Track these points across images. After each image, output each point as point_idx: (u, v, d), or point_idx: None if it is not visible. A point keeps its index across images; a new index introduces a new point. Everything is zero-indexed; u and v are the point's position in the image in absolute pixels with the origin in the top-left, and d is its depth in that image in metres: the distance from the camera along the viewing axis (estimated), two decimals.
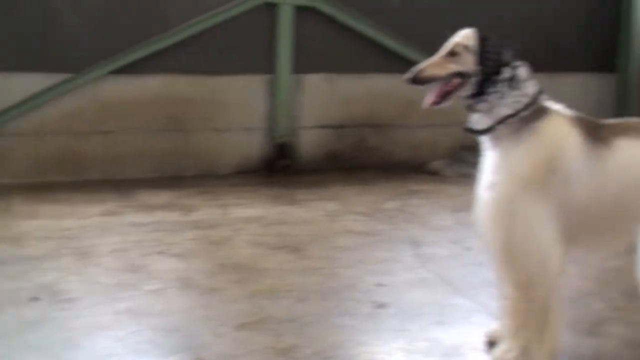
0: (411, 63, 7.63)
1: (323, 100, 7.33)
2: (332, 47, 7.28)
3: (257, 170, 7.20)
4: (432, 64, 3.10)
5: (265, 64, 7.09)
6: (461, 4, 7.63)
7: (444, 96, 3.10)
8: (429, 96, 3.12)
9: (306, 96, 7.30)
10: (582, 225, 3.03)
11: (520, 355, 3.03)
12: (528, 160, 2.97)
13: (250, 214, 5.55)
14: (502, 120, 2.98)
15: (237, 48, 6.98)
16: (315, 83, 7.32)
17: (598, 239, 3.15)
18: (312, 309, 3.70)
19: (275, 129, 7.16)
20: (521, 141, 2.98)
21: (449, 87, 3.08)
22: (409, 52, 7.20)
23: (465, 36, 3.09)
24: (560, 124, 3.02)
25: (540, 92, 3.05)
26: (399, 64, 7.26)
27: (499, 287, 3.19)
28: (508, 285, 3.07)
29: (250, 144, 7.19)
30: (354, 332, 3.43)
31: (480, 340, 3.37)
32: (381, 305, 3.77)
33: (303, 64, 7.17)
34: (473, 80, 3.02)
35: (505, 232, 2.98)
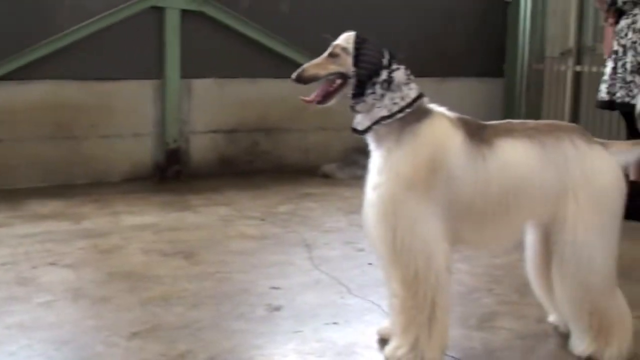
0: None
1: (214, 105, 7.32)
2: (221, 52, 7.28)
3: (149, 176, 7.12)
4: (314, 64, 3.18)
5: (154, 69, 7.02)
6: (350, 10, 7.75)
7: (326, 96, 3.19)
8: (312, 95, 3.21)
9: (196, 101, 7.27)
10: (468, 224, 3.10)
11: (410, 351, 3.09)
12: (409, 161, 3.03)
13: (143, 222, 5.48)
14: (378, 121, 3.06)
15: (125, 53, 6.89)
16: (206, 88, 7.29)
17: (485, 237, 3.20)
18: (205, 314, 3.68)
19: (166, 135, 7.10)
20: (402, 142, 3.06)
21: (331, 87, 3.17)
22: (298, 57, 7.24)
23: (345, 38, 3.16)
24: (441, 125, 3.09)
25: (420, 95, 3.12)
26: (290, 68, 7.28)
27: (387, 285, 3.25)
28: (395, 283, 3.13)
29: (140, 150, 7.11)
30: (248, 335, 3.43)
31: (373, 338, 3.42)
32: (275, 308, 3.79)
33: (192, 69, 7.15)
34: (352, 82, 3.09)
35: (389, 231, 3.03)
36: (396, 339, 3.15)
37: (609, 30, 6.62)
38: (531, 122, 3.28)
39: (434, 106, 3.17)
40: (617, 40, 6.33)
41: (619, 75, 6.32)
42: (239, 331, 3.48)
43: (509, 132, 3.16)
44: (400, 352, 3.10)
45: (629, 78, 6.23)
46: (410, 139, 3.05)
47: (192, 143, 7.29)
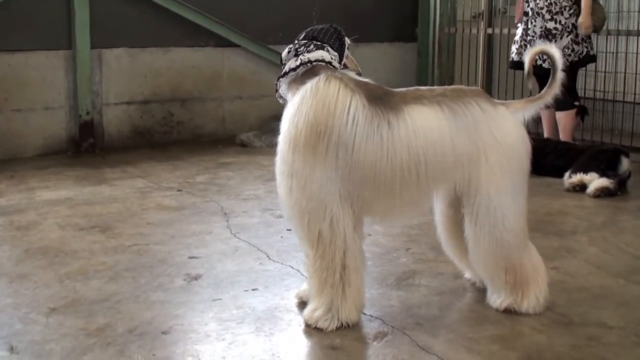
0: (215, 36, 7.69)
1: (126, 76, 7.22)
2: (132, 21, 7.17)
3: (63, 150, 7.01)
4: None
5: (63, 39, 6.88)
6: None
7: None
8: None
9: (108, 71, 7.16)
10: (377, 193, 3.12)
11: (327, 312, 3.14)
12: (292, 122, 3.08)
13: (58, 196, 5.40)
14: (277, 81, 3.22)
15: (33, 23, 6.73)
16: (117, 58, 7.18)
17: (396, 207, 3.24)
18: (124, 287, 3.66)
19: (79, 107, 6.98)
20: (293, 102, 3.13)
21: None
22: (211, 25, 7.19)
23: None
24: (330, 88, 3.07)
25: (321, 59, 3.16)
26: (203, 37, 7.28)
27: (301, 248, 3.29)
28: (303, 245, 3.18)
29: (54, 124, 6.98)
30: (167, 306, 3.43)
31: (293, 302, 3.47)
32: (194, 278, 3.79)
33: (103, 39, 7.02)
34: None
35: (286, 191, 3.10)
36: (312, 301, 3.20)
37: None
38: (439, 88, 3.32)
39: (341, 72, 3.19)
40: (528, 2, 6.48)
41: (530, 37, 6.48)
42: (157, 302, 3.48)
43: (417, 99, 3.19)
44: (317, 313, 3.16)
45: (538, 42, 6.40)
46: (298, 100, 3.11)
47: (105, 115, 7.18)
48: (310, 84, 3.10)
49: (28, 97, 6.83)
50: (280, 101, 3.32)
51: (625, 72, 7.20)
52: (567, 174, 5.84)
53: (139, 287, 3.66)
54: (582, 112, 6.65)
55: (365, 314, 3.33)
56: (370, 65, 8.08)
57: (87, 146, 7.03)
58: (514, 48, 6.69)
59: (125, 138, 7.30)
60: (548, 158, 6.18)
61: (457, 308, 3.47)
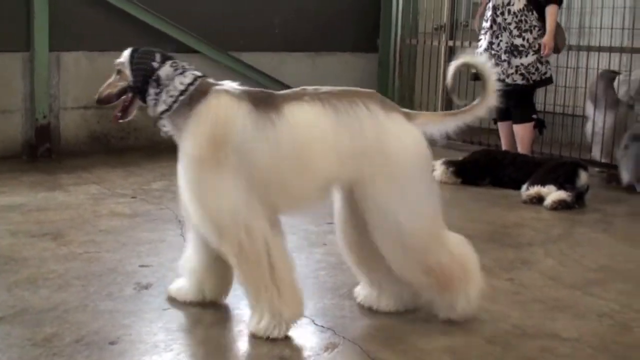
0: (174, 42, 7.63)
1: (84, 79, 7.11)
2: (91, 24, 7.09)
3: (18, 155, 6.89)
4: (106, 85, 3.49)
5: (21, 41, 6.77)
6: None
7: (124, 110, 3.48)
8: (115, 112, 3.49)
9: (66, 75, 7.06)
10: (275, 191, 3.19)
11: (271, 318, 3.13)
12: (192, 141, 3.19)
13: (10, 202, 5.29)
14: (160, 116, 3.31)
15: None
16: (75, 61, 7.08)
17: (292, 201, 3.29)
18: (73, 296, 3.58)
19: (36, 111, 6.87)
20: (187, 125, 3.23)
21: (125, 102, 3.45)
22: (170, 30, 7.14)
23: (123, 55, 3.41)
24: (220, 101, 3.22)
25: (196, 79, 3.28)
26: (161, 41, 7.21)
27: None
28: (231, 261, 3.19)
29: (10, 127, 6.87)
30: (116, 315, 3.36)
31: (245, 311, 3.38)
32: (145, 287, 3.73)
33: (62, 41, 6.92)
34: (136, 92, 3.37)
35: (198, 212, 3.18)
36: (254, 312, 3.19)
37: (482, 7, 6.83)
38: (326, 88, 3.35)
39: (223, 84, 3.30)
40: (494, 17, 6.52)
41: (494, 52, 6.52)
42: (106, 311, 3.41)
43: (299, 97, 3.25)
44: (263, 324, 3.14)
45: (503, 57, 6.47)
46: (193, 121, 3.21)
47: (62, 119, 7.07)
48: (203, 103, 3.21)
49: None
50: (169, 132, 3.38)
51: (585, 87, 7.26)
52: (524, 186, 5.86)
53: (88, 296, 3.59)
54: (540, 126, 6.70)
55: (316, 324, 3.30)
56: (332, 75, 8.07)
57: (43, 151, 6.92)
58: None
59: (82, 143, 7.20)
60: (506, 170, 6.22)
61: (409, 319, 3.43)
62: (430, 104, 8.40)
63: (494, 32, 6.54)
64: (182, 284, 3.55)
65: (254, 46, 7.97)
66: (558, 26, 6.51)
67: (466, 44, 8.05)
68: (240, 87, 3.29)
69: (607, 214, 5.58)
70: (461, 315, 3.33)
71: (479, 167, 6.36)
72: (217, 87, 3.26)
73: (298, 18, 8.21)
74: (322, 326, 3.30)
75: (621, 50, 7.15)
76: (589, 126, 7.10)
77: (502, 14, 6.48)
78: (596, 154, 6.95)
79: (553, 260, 4.38)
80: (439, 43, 8.55)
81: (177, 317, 3.36)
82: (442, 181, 6.30)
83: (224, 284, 3.49)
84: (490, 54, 6.51)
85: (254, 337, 3.15)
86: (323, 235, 4.62)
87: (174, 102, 3.25)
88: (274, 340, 3.11)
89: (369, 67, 8.83)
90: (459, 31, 8.98)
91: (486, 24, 6.62)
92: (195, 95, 3.23)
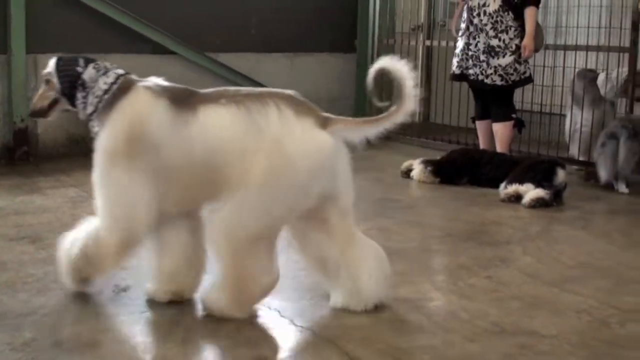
0: (151, 43, 7.59)
1: None
2: (69, 26, 7.06)
3: None
4: (37, 97, 3.58)
5: None
6: None
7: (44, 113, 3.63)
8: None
9: None
10: (178, 189, 3.30)
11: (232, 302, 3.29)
12: (109, 135, 3.31)
13: None
14: (89, 118, 3.43)
15: None
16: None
17: (196, 200, 3.40)
18: (51, 300, 3.57)
19: (13, 114, 6.82)
20: (108, 121, 3.34)
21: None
22: (149, 32, 7.12)
23: (49, 64, 3.52)
24: (140, 97, 3.33)
25: (119, 77, 3.39)
26: (140, 43, 7.20)
27: None
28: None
29: None
30: (95, 318, 3.36)
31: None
32: (123, 289, 3.71)
33: (39, 43, 6.88)
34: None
35: (108, 203, 3.39)
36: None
37: (459, 9, 6.85)
38: (245, 89, 3.44)
39: (147, 81, 3.40)
40: (470, 18, 6.54)
41: (472, 52, 6.55)
42: (85, 314, 3.40)
43: (216, 98, 3.30)
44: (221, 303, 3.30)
45: (482, 57, 6.49)
46: (112, 117, 3.32)
47: (40, 122, 7.02)
48: (123, 99, 3.32)
49: None
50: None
51: (562, 86, 7.31)
52: (502, 185, 5.89)
53: (67, 300, 3.58)
54: (519, 125, 6.73)
55: (296, 324, 3.31)
56: (310, 75, 8.08)
57: (21, 154, 6.88)
58: (454, 61, 6.76)
59: (60, 146, 7.17)
60: (484, 169, 6.24)
61: (388, 318, 3.44)
62: None
63: (470, 33, 6.56)
64: (158, 285, 3.55)
65: (231, 47, 7.95)
66: (537, 26, 6.54)
67: (443, 43, 8.09)
68: (163, 84, 3.39)
69: (585, 211, 5.62)
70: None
71: (457, 166, 6.39)
72: (139, 84, 3.36)
73: (275, 19, 8.20)
74: (301, 326, 3.30)
75: (598, 48, 7.22)
76: (567, 124, 7.16)
77: (479, 15, 6.51)
78: (574, 152, 6.99)
79: (531, 257, 4.40)
80: (417, 43, 8.58)
81: (155, 319, 3.36)
82: (420, 180, 6.33)
83: (198, 278, 3.57)
84: (468, 55, 6.54)
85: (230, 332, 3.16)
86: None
87: (99, 102, 3.36)
88: (253, 341, 3.12)
89: (347, 67, 8.84)
90: (436, 31, 9.02)
91: (463, 25, 6.65)
92: (118, 93, 3.34)
